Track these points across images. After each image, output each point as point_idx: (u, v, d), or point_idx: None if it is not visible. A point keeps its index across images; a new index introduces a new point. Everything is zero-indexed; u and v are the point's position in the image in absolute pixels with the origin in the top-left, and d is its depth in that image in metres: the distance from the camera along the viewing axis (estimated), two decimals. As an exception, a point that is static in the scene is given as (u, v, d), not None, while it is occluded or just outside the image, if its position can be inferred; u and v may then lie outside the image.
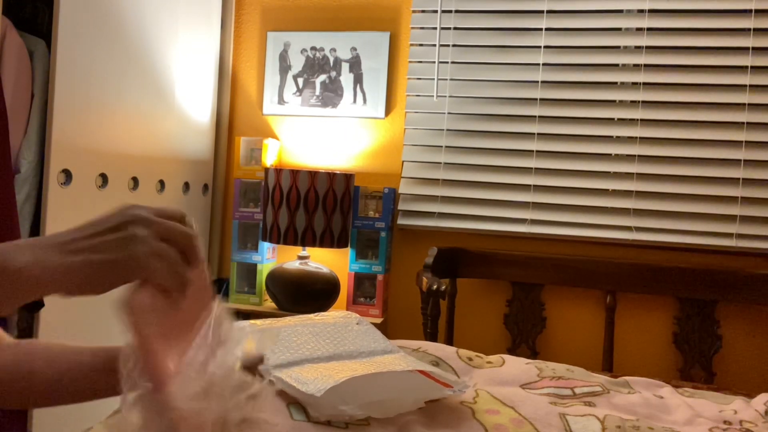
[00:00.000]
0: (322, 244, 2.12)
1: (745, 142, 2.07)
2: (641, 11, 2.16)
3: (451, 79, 2.29)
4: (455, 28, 2.29)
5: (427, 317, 1.90)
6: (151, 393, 0.53)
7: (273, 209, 2.13)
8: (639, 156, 2.15)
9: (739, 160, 2.08)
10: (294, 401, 0.93)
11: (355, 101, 2.40)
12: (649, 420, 1.03)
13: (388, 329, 2.37)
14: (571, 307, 2.24)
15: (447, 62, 2.29)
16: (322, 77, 2.43)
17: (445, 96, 2.30)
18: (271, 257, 2.40)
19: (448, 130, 2.30)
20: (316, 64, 2.44)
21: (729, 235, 2.07)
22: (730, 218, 2.08)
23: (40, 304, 1.63)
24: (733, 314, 2.11)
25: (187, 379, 0.58)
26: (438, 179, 2.31)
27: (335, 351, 1.09)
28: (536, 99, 2.23)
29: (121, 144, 1.93)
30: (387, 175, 2.40)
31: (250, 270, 2.36)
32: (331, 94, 2.42)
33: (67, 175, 1.72)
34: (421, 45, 2.34)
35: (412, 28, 2.33)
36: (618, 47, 2.19)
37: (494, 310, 2.29)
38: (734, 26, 2.08)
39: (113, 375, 0.59)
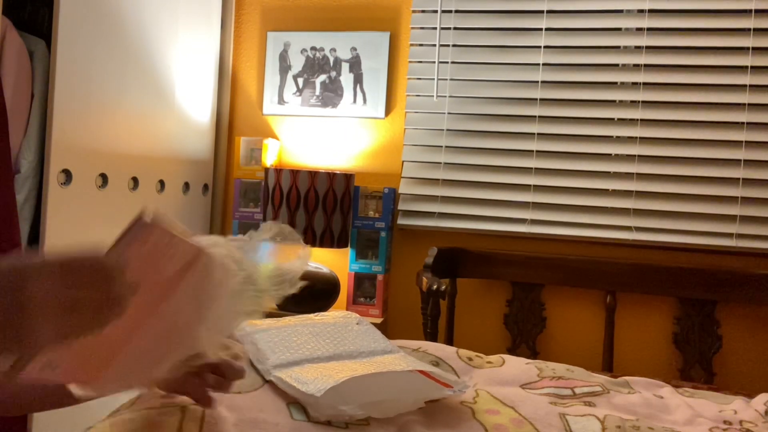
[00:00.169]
0: (322, 244, 2.12)
1: (745, 142, 2.07)
2: (641, 11, 2.16)
3: (451, 79, 2.29)
4: (455, 28, 2.29)
5: (427, 317, 1.90)
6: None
7: (273, 209, 2.13)
8: (639, 156, 2.15)
9: (739, 160, 2.08)
10: (294, 401, 0.93)
11: (355, 101, 2.40)
12: (649, 420, 1.03)
13: (388, 329, 2.37)
14: (571, 307, 2.24)
15: (447, 62, 2.29)
16: (322, 77, 2.43)
17: (445, 96, 2.30)
18: (271, 257, 2.39)
19: (448, 130, 2.30)
20: (316, 64, 2.44)
21: (729, 235, 2.07)
22: (730, 218, 2.08)
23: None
24: (733, 314, 2.11)
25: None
26: (438, 179, 2.31)
27: (335, 351, 1.09)
28: (536, 99, 2.23)
29: (121, 144, 1.93)
30: (387, 175, 2.40)
31: (250, 270, 2.36)
32: (331, 94, 2.42)
33: (67, 175, 1.72)
34: (421, 45, 2.34)
35: (412, 28, 2.33)
36: (618, 47, 2.19)
37: (494, 310, 2.29)
38: (734, 26, 2.08)
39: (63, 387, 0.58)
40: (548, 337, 2.25)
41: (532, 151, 2.23)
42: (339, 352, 1.09)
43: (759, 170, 2.06)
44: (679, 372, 2.09)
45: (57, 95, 1.66)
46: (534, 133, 2.23)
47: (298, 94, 2.46)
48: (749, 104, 2.07)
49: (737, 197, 2.08)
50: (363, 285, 2.33)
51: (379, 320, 2.18)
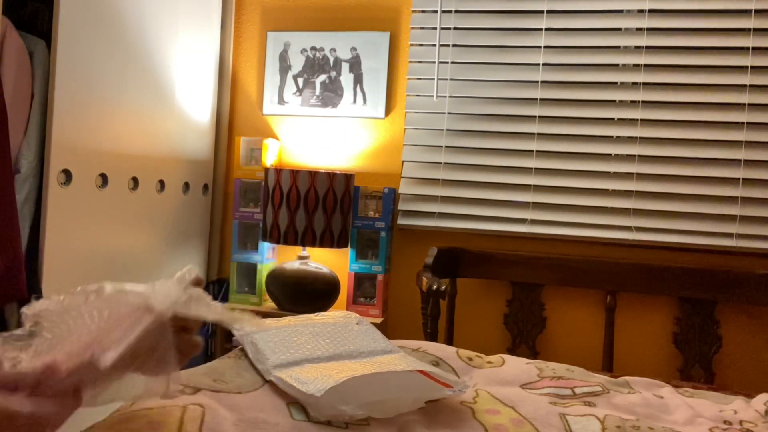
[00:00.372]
0: (322, 244, 2.12)
1: (745, 142, 2.07)
2: (641, 11, 2.16)
3: (451, 79, 2.30)
4: (455, 28, 2.29)
5: (427, 317, 1.90)
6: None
7: (273, 209, 2.13)
8: (639, 156, 2.15)
9: (739, 160, 2.08)
10: (294, 401, 0.93)
11: (355, 101, 2.40)
12: (649, 420, 1.03)
13: (388, 329, 2.37)
14: (571, 307, 2.24)
15: (447, 62, 2.30)
16: (322, 77, 2.43)
17: (445, 96, 2.30)
18: (271, 257, 2.40)
19: (448, 130, 2.30)
20: (316, 64, 2.44)
21: (729, 235, 2.07)
22: (730, 218, 2.08)
23: (40, 304, 1.63)
24: (733, 314, 2.11)
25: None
26: (438, 179, 2.31)
27: (335, 351, 1.09)
28: (536, 99, 2.23)
29: (121, 144, 1.93)
30: (387, 175, 2.40)
31: (250, 270, 2.36)
32: (331, 94, 2.43)
33: (67, 175, 1.72)
34: (421, 45, 2.34)
35: (412, 28, 2.33)
36: (618, 47, 2.19)
37: (494, 310, 2.29)
38: (734, 26, 2.08)
39: None
40: (548, 337, 2.25)
41: (532, 151, 2.23)
42: (339, 352, 1.09)
43: (759, 170, 2.06)
44: (679, 372, 2.09)
45: (57, 95, 1.66)
46: (534, 133, 2.23)
47: (298, 94, 2.46)
48: (749, 104, 2.07)
49: (737, 197, 2.08)
50: (363, 285, 2.33)
51: (379, 320, 2.18)
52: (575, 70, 2.20)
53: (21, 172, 1.63)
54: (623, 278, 2.10)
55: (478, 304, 2.31)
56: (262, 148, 2.38)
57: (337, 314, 1.29)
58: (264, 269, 2.31)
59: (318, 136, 2.45)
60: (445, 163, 2.30)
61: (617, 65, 2.20)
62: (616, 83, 2.20)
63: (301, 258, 2.20)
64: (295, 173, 2.09)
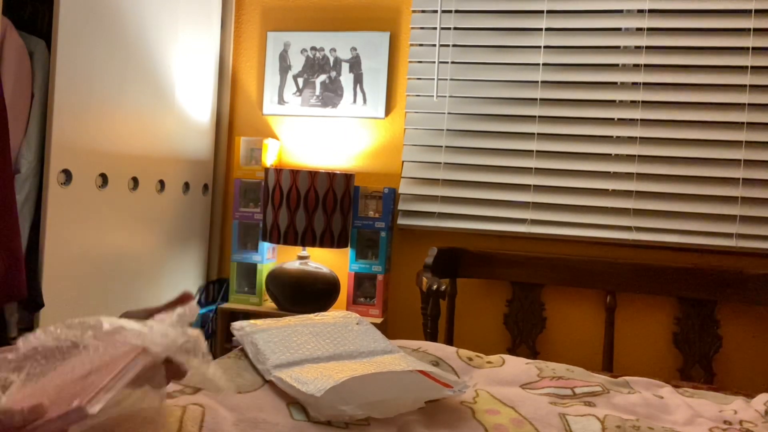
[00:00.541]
0: (322, 244, 2.12)
1: (745, 142, 2.07)
2: (641, 11, 2.16)
3: (451, 79, 2.30)
4: (455, 28, 2.29)
5: (427, 317, 1.90)
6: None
7: (273, 209, 2.13)
8: (639, 156, 2.15)
9: (739, 160, 2.08)
10: (294, 401, 0.93)
11: (355, 101, 2.40)
12: (649, 420, 1.03)
13: (388, 329, 2.37)
14: (571, 307, 2.24)
15: (447, 62, 2.30)
16: (322, 77, 2.43)
17: (445, 96, 2.30)
18: (271, 257, 2.40)
19: (448, 130, 2.30)
20: (316, 64, 2.44)
21: (729, 235, 2.07)
22: (730, 218, 2.08)
23: (40, 304, 1.63)
24: (733, 314, 2.11)
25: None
26: (438, 179, 2.31)
27: (335, 351, 1.09)
28: (536, 99, 2.23)
29: (121, 144, 1.93)
30: (387, 175, 2.40)
31: (250, 270, 2.36)
32: (331, 94, 2.43)
33: (67, 175, 1.72)
34: (421, 45, 2.34)
35: (412, 28, 2.33)
36: (618, 47, 2.19)
37: (494, 310, 2.29)
38: (734, 26, 2.08)
39: None
40: (548, 337, 2.25)
41: (532, 151, 2.23)
42: (339, 352, 1.09)
43: (759, 170, 2.06)
44: (679, 372, 2.09)
45: (57, 95, 1.66)
46: (534, 133, 2.23)
47: (298, 94, 2.46)
48: (749, 104, 2.07)
49: (737, 197, 2.08)
50: (363, 285, 2.33)
51: (379, 320, 2.18)
52: (575, 70, 2.20)
53: (21, 172, 1.63)
54: (623, 278, 2.10)
55: (478, 304, 2.31)
56: (262, 148, 2.38)
57: (337, 314, 1.29)
58: (264, 269, 2.31)
59: (318, 136, 2.45)
60: (445, 163, 2.30)
61: (617, 65, 2.20)
62: (616, 83, 2.20)
63: (301, 258, 2.20)
64: (295, 173, 2.09)
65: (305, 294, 2.13)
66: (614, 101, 2.20)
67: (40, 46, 1.70)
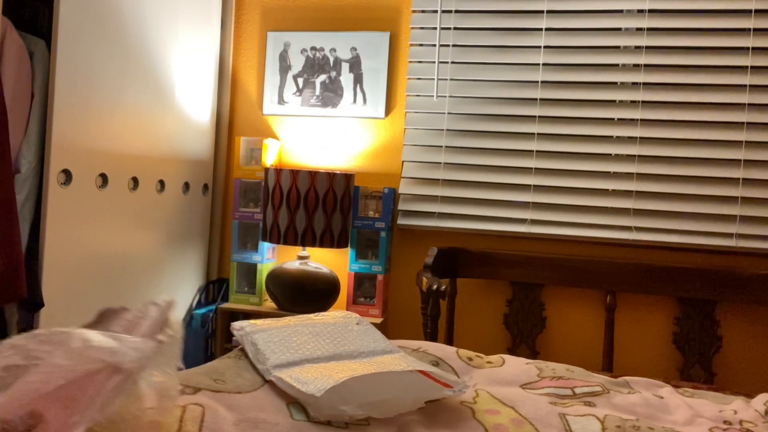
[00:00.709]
0: (322, 244, 2.12)
1: (745, 142, 2.07)
2: (641, 11, 2.16)
3: (451, 79, 2.30)
4: (455, 28, 2.29)
5: (427, 317, 1.90)
6: None
7: (273, 209, 2.13)
8: (639, 156, 2.15)
9: (739, 160, 2.08)
10: (294, 401, 0.93)
11: (355, 101, 2.40)
12: (649, 420, 1.03)
13: (388, 329, 2.37)
14: (571, 307, 2.24)
15: (447, 62, 2.30)
16: (322, 77, 2.43)
17: (445, 96, 2.30)
18: (271, 257, 2.40)
19: (448, 130, 2.30)
20: (316, 64, 2.44)
21: (729, 235, 2.07)
22: (730, 218, 2.08)
23: (40, 304, 1.63)
24: (733, 314, 2.11)
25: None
26: (438, 179, 2.31)
27: (335, 351, 1.09)
28: (536, 99, 2.23)
29: (121, 144, 1.93)
30: (387, 175, 2.40)
31: (250, 270, 2.36)
32: (331, 94, 2.43)
33: (67, 175, 1.72)
34: (421, 45, 2.34)
35: (412, 28, 2.33)
36: (618, 47, 2.19)
37: (494, 310, 2.29)
38: (734, 26, 2.08)
39: None
40: (548, 337, 2.25)
41: (532, 151, 2.23)
42: (339, 352, 1.09)
43: (759, 170, 2.06)
44: (679, 372, 2.09)
45: (57, 95, 1.66)
46: (534, 133, 2.23)
47: (298, 94, 2.46)
48: (749, 104, 2.07)
49: (737, 197, 2.08)
50: (363, 285, 2.33)
51: (379, 320, 2.18)
52: (575, 70, 2.20)
53: (21, 172, 1.63)
54: (623, 278, 2.10)
55: (478, 304, 2.31)
56: (262, 148, 2.38)
57: (337, 314, 1.29)
58: (264, 269, 2.31)
59: (318, 136, 2.45)
60: (445, 163, 2.30)
61: (617, 65, 2.20)
62: (616, 83, 2.20)
63: (301, 258, 2.20)
64: (295, 173, 2.09)
65: (305, 294, 2.13)
66: (614, 101, 2.20)
67: (40, 46, 1.70)
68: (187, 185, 2.31)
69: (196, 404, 0.87)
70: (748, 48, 2.07)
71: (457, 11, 2.29)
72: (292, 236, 2.10)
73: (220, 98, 2.52)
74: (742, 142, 2.08)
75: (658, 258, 2.16)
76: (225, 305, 2.29)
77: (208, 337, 2.33)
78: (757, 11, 2.05)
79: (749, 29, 2.07)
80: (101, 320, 0.75)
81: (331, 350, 1.09)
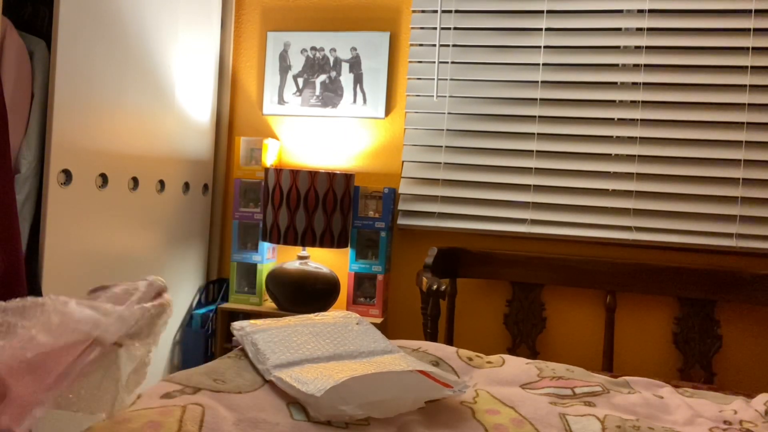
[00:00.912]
0: (322, 244, 2.12)
1: (745, 142, 2.07)
2: (641, 11, 2.16)
3: (451, 79, 2.30)
4: (455, 28, 2.29)
5: (427, 317, 1.90)
6: None
7: (273, 209, 2.13)
8: (639, 156, 2.15)
9: (739, 160, 2.08)
10: (294, 401, 0.93)
11: (355, 101, 2.40)
12: (649, 420, 1.03)
13: (388, 329, 2.37)
14: (571, 307, 2.24)
15: (447, 62, 2.30)
16: (322, 77, 2.43)
17: (445, 96, 2.30)
18: (271, 257, 2.40)
19: (448, 130, 2.30)
20: (316, 64, 2.44)
21: (729, 235, 2.07)
22: (730, 218, 2.08)
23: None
24: (733, 314, 2.11)
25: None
26: (438, 179, 2.31)
27: (335, 351, 1.09)
28: (536, 99, 2.23)
29: (121, 144, 1.93)
30: (387, 175, 2.40)
31: (250, 270, 2.36)
32: (331, 94, 2.43)
33: (67, 175, 1.72)
34: (421, 45, 2.34)
35: (412, 28, 2.33)
36: (618, 47, 2.19)
37: (494, 310, 2.30)
38: (734, 26, 2.08)
39: None
40: (548, 337, 2.25)
41: (532, 151, 2.23)
42: (339, 352, 1.09)
43: (759, 170, 2.06)
44: (679, 372, 2.09)
45: (57, 95, 1.66)
46: (534, 133, 2.23)
47: (298, 94, 2.46)
48: (749, 104, 2.07)
49: (737, 197, 2.08)
50: (363, 285, 2.33)
51: (379, 320, 2.18)
52: (575, 70, 2.20)
53: (21, 172, 1.63)
54: (623, 278, 2.10)
55: (478, 304, 2.31)
56: (262, 148, 2.38)
57: (337, 314, 1.29)
58: (264, 269, 2.31)
59: (318, 136, 2.45)
60: (445, 163, 2.30)
61: (617, 65, 2.20)
62: (616, 83, 2.20)
63: (301, 258, 2.21)
64: (295, 173, 2.09)
65: (305, 294, 2.13)
66: (614, 101, 2.20)
67: (40, 46, 1.70)
68: (187, 185, 2.31)
69: (196, 404, 0.87)
70: (748, 48, 2.07)
71: (457, 11, 2.29)
72: (292, 236, 2.10)
73: (220, 98, 2.52)
74: (742, 142, 2.08)
75: (658, 258, 2.16)
76: (225, 305, 2.29)
77: (208, 337, 2.33)
78: (757, 11, 2.06)
79: (749, 29, 2.07)
80: (90, 297, 0.75)
81: (331, 350, 1.09)
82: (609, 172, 2.19)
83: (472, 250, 2.23)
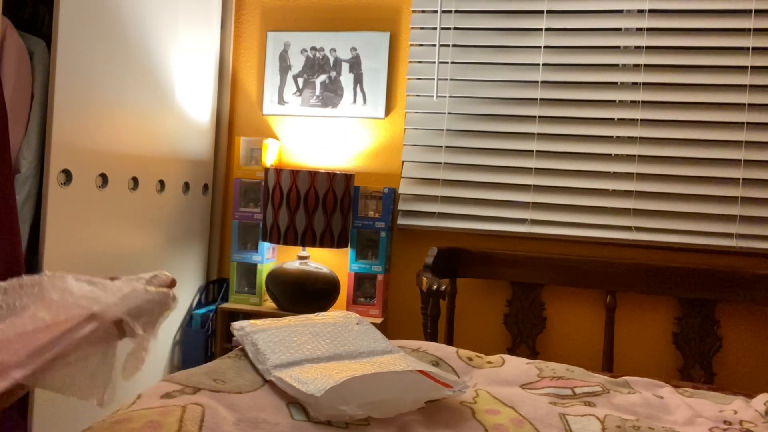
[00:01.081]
0: (322, 244, 2.12)
1: (745, 142, 2.07)
2: (641, 11, 2.16)
3: (451, 79, 2.30)
4: (455, 28, 2.29)
5: (427, 317, 1.90)
6: None
7: (273, 209, 2.13)
8: (639, 156, 2.15)
9: (739, 160, 2.08)
10: (294, 401, 0.93)
11: (355, 101, 2.40)
12: (649, 420, 1.03)
13: (388, 329, 2.37)
14: (571, 307, 2.24)
15: (447, 62, 2.30)
16: (322, 77, 2.43)
17: (445, 96, 2.30)
18: (271, 257, 2.40)
19: (448, 130, 2.30)
20: (316, 64, 2.44)
21: (729, 235, 2.07)
22: (730, 218, 2.08)
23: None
24: (733, 314, 2.11)
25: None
26: (438, 179, 2.31)
27: (335, 351, 1.09)
28: (536, 99, 2.23)
29: (121, 144, 1.93)
30: (387, 175, 2.40)
31: (250, 270, 2.36)
32: (331, 94, 2.43)
33: (67, 175, 1.72)
34: (421, 45, 2.34)
35: (412, 28, 2.33)
36: (618, 47, 2.19)
37: (494, 310, 2.30)
38: (734, 26, 2.08)
39: None
40: (548, 337, 2.25)
41: (532, 151, 2.23)
42: (339, 352, 1.09)
43: (759, 170, 2.06)
44: (679, 372, 2.09)
45: (57, 95, 1.66)
46: (534, 133, 2.23)
47: (298, 94, 2.46)
48: (749, 104, 2.07)
49: (737, 197, 2.08)
50: (363, 285, 2.33)
51: (379, 320, 2.18)
52: (575, 70, 2.20)
53: (21, 172, 1.63)
54: (623, 278, 2.10)
55: (478, 304, 2.31)
56: (262, 148, 2.38)
57: (337, 314, 1.29)
58: (264, 269, 2.31)
59: (318, 136, 2.45)
60: (445, 163, 2.30)
61: (617, 65, 2.20)
62: (616, 83, 2.20)
63: (301, 258, 2.21)
64: (295, 173, 2.09)
65: (305, 294, 2.13)
66: (614, 101, 2.20)
67: (40, 46, 1.70)
68: (187, 185, 2.31)
69: (196, 404, 0.87)
70: (748, 48, 2.07)
71: (457, 11, 2.29)
72: (292, 236, 2.10)
73: (220, 98, 2.52)
74: (742, 142, 2.08)
75: (658, 258, 2.16)
76: (225, 305, 2.29)
77: (208, 337, 2.33)
78: (757, 11, 2.06)
79: (749, 29, 2.07)
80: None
81: (331, 350, 1.09)
82: (609, 172, 2.19)
83: (472, 250, 2.23)
